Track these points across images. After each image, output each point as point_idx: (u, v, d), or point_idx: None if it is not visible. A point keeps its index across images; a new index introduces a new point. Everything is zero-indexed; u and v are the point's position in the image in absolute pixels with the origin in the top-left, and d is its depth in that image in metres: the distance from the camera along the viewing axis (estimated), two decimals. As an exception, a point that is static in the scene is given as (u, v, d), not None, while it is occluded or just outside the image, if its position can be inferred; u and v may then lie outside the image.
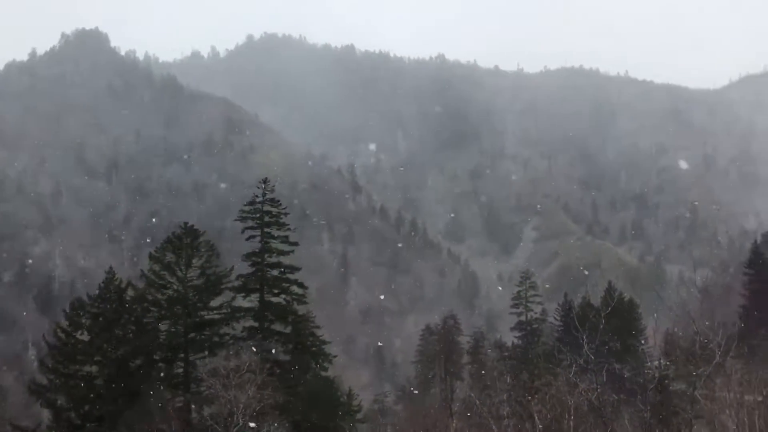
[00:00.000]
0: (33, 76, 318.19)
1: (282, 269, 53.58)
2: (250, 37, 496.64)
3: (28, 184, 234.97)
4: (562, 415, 30.84)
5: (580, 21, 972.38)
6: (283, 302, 53.46)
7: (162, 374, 48.93)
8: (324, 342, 54.76)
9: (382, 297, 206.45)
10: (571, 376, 31.60)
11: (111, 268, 50.44)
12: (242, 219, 54.05)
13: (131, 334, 47.69)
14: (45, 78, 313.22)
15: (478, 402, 40.03)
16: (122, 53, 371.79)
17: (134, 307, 48.83)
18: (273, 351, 52.61)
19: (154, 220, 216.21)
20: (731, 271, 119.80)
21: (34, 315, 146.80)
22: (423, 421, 48.26)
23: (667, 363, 39.98)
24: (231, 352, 45.79)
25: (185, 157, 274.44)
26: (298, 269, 54.43)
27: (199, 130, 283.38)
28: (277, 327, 53.29)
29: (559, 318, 78.74)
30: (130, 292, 49.32)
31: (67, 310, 48.28)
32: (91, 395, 45.60)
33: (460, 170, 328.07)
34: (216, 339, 50.50)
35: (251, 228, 53.73)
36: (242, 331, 52.46)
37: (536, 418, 30.61)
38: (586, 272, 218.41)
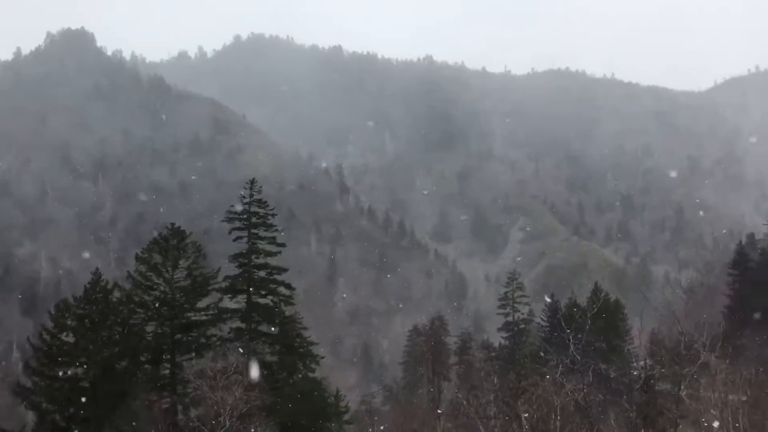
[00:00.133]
0: (18, 76, 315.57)
1: (269, 270, 53.54)
2: (237, 38, 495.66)
3: (12, 185, 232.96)
4: (548, 415, 30.99)
5: (566, 23, 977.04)
6: (271, 303, 53.41)
7: (148, 376, 48.70)
8: (311, 343, 54.74)
9: (369, 298, 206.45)
10: (557, 376, 31.78)
11: (97, 269, 50.19)
12: (229, 220, 53.96)
13: (117, 336, 47.44)
14: (30, 78, 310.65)
15: (465, 402, 40.15)
16: (109, 53, 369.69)
17: (120, 309, 48.59)
18: (260, 352, 52.50)
19: (140, 221, 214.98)
20: (716, 271, 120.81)
21: (18, 317, 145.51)
22: (410, 421, 48.34)
23: (653, 363, 40.29)
24: (218, 354, 45.67)
25: (172, 157, 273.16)
26: (285, 270, 54.38)
27: (186, 131, 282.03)
28: (264, 328, 53.21)
29: (545, 318, 79.18)
30: (116, 294, 49.08)
31: (52, 312, 47.93)
32: (77, 397, 45.29)
33: (447, 171, 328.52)
34: (203, 340, 50.37)
35: (238, 229, 53.65)
36: (229, 333, 52.37)
37: (523, 418, 30.75)
38: (573, 273, 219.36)
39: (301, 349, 53.79)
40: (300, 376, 52.99)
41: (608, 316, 71.64)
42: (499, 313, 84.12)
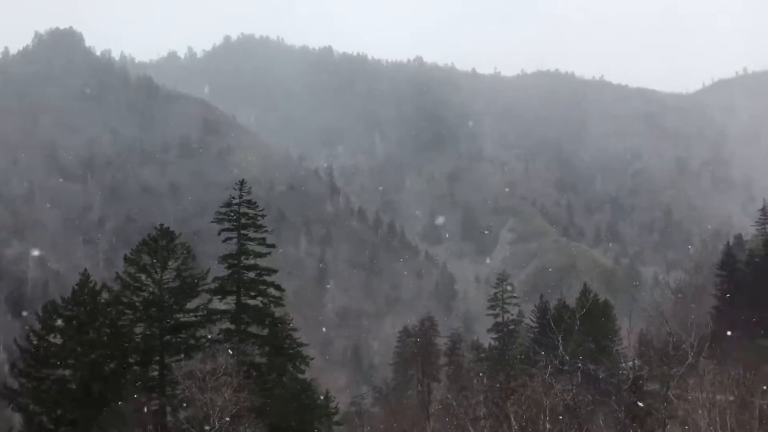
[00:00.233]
0: (5, 76, 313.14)
1: (259, 271, 53.45)
2: (227, 38, 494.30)
3: (0, 185, 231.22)
4: (537, 415, 31.08)
5: (556, 25, 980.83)
6: (260, 305, 53.31)
7: (137, 377, 48.48)
8: (301, 344, 54.63)
9: (359, 299, 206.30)
10: (546, 376, 31.87)
11: (85, 270, 49.94)
12: (219, 221, 53.82)
13: (105, 337, 47.21)
14: (18, 78, 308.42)
15: (454, 403, 40.19)
16: (97, 53, 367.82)
17: (109, 310, 48.35)
18: (249, 353, 52.37)
19: (129, 221, 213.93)
20: (704, 272, 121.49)
21: (5, 318, 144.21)
22: (400, 422, 48.36)
23: (641, 364, 40.49)
24: (207, 355, 45.52)
25: (162, 158, 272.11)
26: (275, 271, 54.28)
27: (175, 131, 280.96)
28: (254, 329, 53.09)
29: (535, 319, 79.38)
30: (104, 295, 48.84)
31: (40, 313, 47.66)
32: (64, 399, 45.04)
33: (437, 172, 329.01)
34: (192, 342, 50.22)
35: (228, 230, 53.52)
36: (218, 334, 52.24)
37: (512, 419, 30.81)
38: (562, 274, 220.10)
39: (291, 351, 53.69)
40: (289, 377, 52.88)
41: (597, 317, 71.94)
42: (488, 314, 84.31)
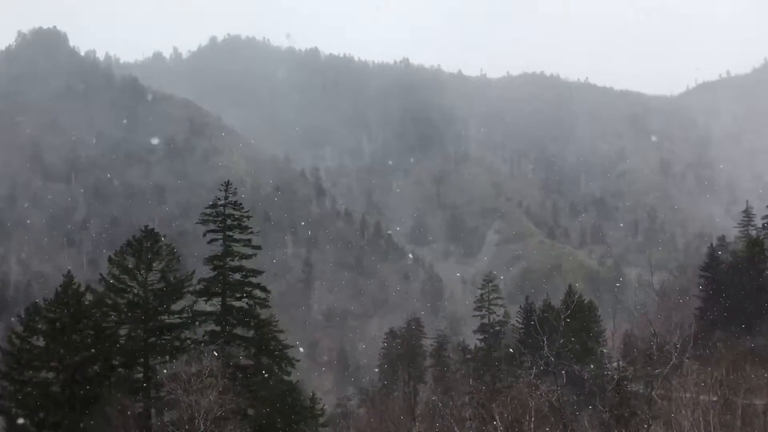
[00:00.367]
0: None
1: (244, 273, 53.29)
2: (213, 39, 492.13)
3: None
4: (523, 416, 31.19)
5: (541, 28, 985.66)
6: (246, 306, 53.15)
7: (121, 380, 48.18)
8: (287, 346, 54.51)
9: (345, 300, 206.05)
10: (532, 377, 31.99)
11: (69, 271, 49.57)
12: (204, 222, 53.61)
13: (89, 340, 46.86)
14: (1, 78, 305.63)
15: (440, 405, 40.26)
16: (82, 53, 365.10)
17: (93, 312, 48.01)
18: (235, 355, 52.17)
19: (113, 223, 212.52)
20: (688, 273, 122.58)
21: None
22: (386, 424, 48.35)
23: (625, 364, 40.74)
24: (192, 357, 45.31)
25: (147, 159, 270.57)
26: (260, 273, 54.15)
27: (160, 132, 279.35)
28: (240, 331, 52.92)
29: (520, 320, 79.66)
30: (88, 297, 48.51)
31: (23, 315, 47.21)
32: (47, 402, 44.67)
33: (424, 174, 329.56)
34: (177, 343, 49.99)
35: (213, 231, 53.32)
36: (204, 336, 52.04)
37: (498, 420, 30.89)
38: (548, 275, 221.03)
39: (277, 352, 53.55)
40: (275, 379, 52.73)
41: (582, 318, 72.32)
42: (474, 315, 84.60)
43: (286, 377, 53.81)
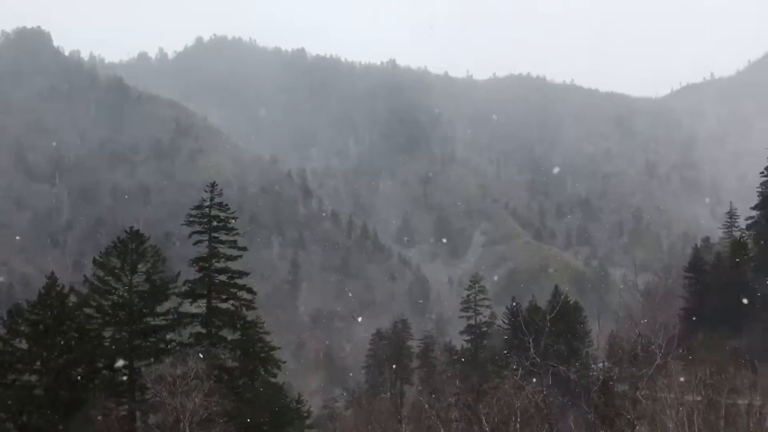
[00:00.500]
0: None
1: (230, 274, 53.05)
2: (199, 39, 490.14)
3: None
4: (509, 417, 31.25)
5: (528, 30, 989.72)
6: (231, 308, 52.90)
7: (106, 382, 47.79)
8: (273, 348, 54.34)
9: (332, 302, 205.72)
10: (518, 378, 32.07)
11: (52, 273, 49.09)
12: (189, 223, 53.33)
13: (73, 342, 46.45)
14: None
15: (427, 406, 40.26)
16: (66, 53, 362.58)
17: (77, 314, 47.60)
18: (221, 357, 51.91)
19: (98, 224, 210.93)
20: (672, 274, 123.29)
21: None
22: (372, 425, 48.30)
23: (611, 365, 40.92)
24: (178, 359, 45.04)
25: (132, 159, 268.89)
26: (246, 274, 53.92)
27: (146, 133, 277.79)
28: (226, 333, 52.69)
29: (507, 321, 79.84)
30: (72, 299, 48.06)
31: (5, 318, 46.69)
32: (30, 405, 44.20)
33: (410, 175, 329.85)
34: (162, 345, 49.70)
35: (199, 232, 53.05)
36: (189, 338, 51.74)
37: (484, 420, 30.94)
38: (534, 276, 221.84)
39: (263, 354, 53.35)
40: (261, 381, 52.53)
41: (568, 319, 72.64)
42: (461, 316, 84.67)
43: (272, 379, 53.64)
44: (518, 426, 30.40)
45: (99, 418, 41.13)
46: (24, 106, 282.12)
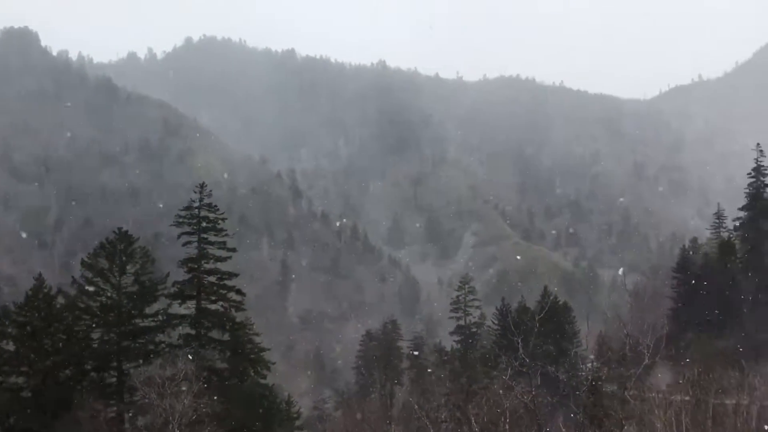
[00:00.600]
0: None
1: (219, 275, 52.94)
2: (188, 39, 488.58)
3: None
4: (498, 417, 31.33)
5: (517, 32, 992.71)
6: (221, 309, 52.77)
7: (94, 384, 47.57)
8: (262, 349, 54.22)
9: (322, 303, 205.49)
10: (507, 379, 32.15)
11: (40, 274, 48.83)
12: (178, 224, 53.18)
13: (61, 344, 46.22)
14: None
15: (417, 406, 40.31)
16: (54, 53, 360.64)
17: (65, 315, 47.37)
18: (210, 358, 51.77)
19: (87, 225, 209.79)
20: (660, 275, 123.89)
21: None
22: (362, 426, 48.32)
23: (599, 365, 41.10)
24: (167, 361, 44.89)
25: (121, 160, 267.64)
26: (236, 275, 53.81)
27: (135, 133, 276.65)
28: (215, 334, 52.56)
29: (496, 322, 79.94)
30: (60, 300, 47.82)
31: (-8, 319, 46.38)
32: (17, 407, 43.95)
33: (401, 176, 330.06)
34: (151, 347, 49.53)
35: (188, 233, 52.89)
36: (178, 339, 51.60)
37: (473, 421, 31.01)
38: (523, 277, 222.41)
39: (252, 355, 53.24)
40: (251, 382, 52.40)
41: (557, 320, 72.81)
42: (451, 317, 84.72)
43: (261, 380, 53.52)
44: (507, 426, 30.49)
45: (87, 420, 40.90)
46: (11, 106, 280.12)
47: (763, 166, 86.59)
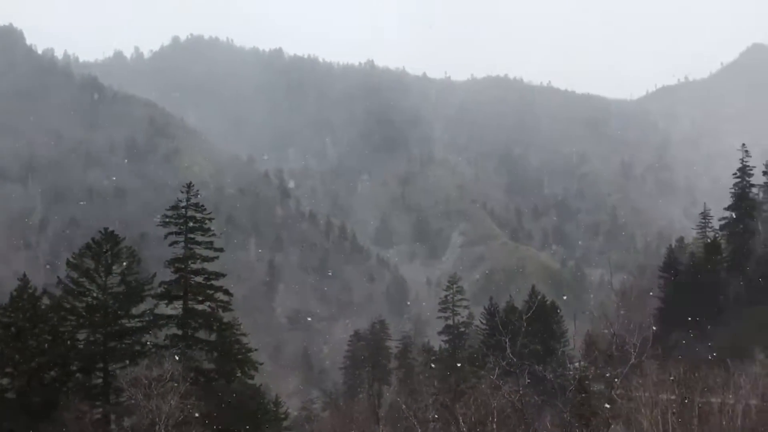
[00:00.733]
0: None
1: (206, 275, 52.74)
2: (175, 39, 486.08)
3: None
4: (486, 417, 31.35)
5: (505, 32, 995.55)
6: (208, 309, 52.55)
7: (79, 385, 47.22)
8: (250, 349, 54.05)
9: (310, 303, 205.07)
10: (494, 378, 32.17)
11: (24, 275, 48.48)
12: (165, 224, 52.90)
13: (46, 345, 45.88)
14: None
15: (404, 406, 40.26)
16: (39, 52, 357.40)
17: (50, 316, 47.03)
18: (197, 359, 51.52)
19: (72, 225, 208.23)
20: (647, 274, 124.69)
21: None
22: (350, 426, 48.25)
23: (586, 365, 41.19)
24: (153, 361, 44.63)
25: (107, 160, 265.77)
26: (223, 275, 53.63)
27: (121, 133, 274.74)
28: (202, 335, 52.35)
29: (484, 321, 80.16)
30: (45, 301, 47.46)
31: (-24, 320, 45.92)
32: (2, 409, 43.56)
33: (389, 176, 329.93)
34: (137, 348, 49.27)
35: (175, 233, 52.64)
36: (165, 339, 51.35)
37: (461, 420, 31.01)
38: (511, 276, 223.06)
39: (240, 356, 53.05)
40: (238, 382, 52.23)
41: (544, 319, 73.17)
42: (439, 317, 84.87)
43: (249, 381, 53.35)
44: (495, 426, 30.51)
45: (73, 421, 40.58)
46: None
47: (748, 166, 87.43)
